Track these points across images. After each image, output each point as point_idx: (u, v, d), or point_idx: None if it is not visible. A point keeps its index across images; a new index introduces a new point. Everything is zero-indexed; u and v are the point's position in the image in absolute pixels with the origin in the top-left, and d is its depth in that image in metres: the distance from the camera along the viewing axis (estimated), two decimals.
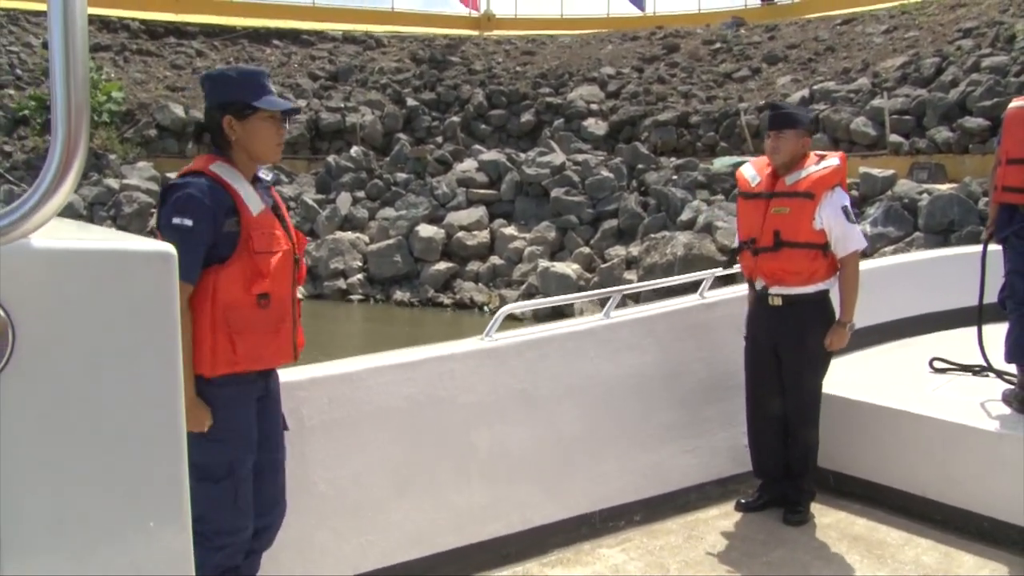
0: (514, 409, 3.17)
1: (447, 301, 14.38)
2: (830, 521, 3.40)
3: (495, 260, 14.82)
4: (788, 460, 3.44)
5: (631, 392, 3.49)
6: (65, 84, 0.92)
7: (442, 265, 14.83)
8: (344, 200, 16.23)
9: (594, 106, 18.88)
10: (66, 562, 1.04)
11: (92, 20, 20.68)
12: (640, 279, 12.47)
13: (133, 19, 21.15)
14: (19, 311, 1.00)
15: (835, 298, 3.36)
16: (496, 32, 23.88)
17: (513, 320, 3.12)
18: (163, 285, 1.10)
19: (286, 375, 2.70)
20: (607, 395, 3.42)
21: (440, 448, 3.00)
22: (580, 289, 12.99)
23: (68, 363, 1.04)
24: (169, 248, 1.10)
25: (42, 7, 20.19)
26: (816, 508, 3.46)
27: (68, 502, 1.05)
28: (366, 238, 15.52)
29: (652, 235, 13.50)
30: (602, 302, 3.65)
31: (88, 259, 1.07)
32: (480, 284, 14.56)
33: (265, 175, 2.38)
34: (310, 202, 16.22)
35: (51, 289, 1.03)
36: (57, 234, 1.05)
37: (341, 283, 14.93)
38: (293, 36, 22.06)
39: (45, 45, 19.01)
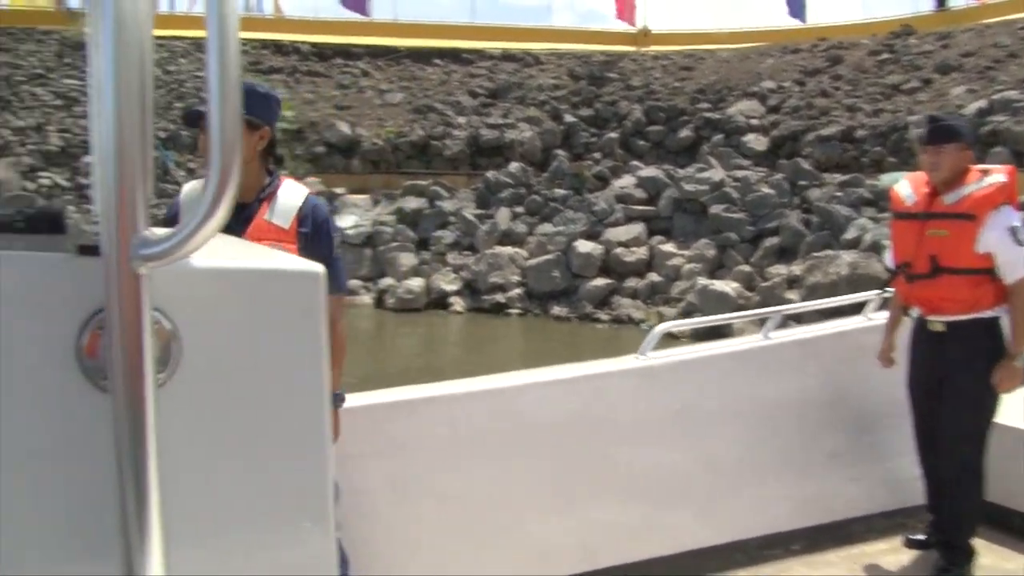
0: (669, 429, 3.24)
1: (604, 317, 15.16)
2: (1016, 568, 3.24)
3: (653, 277, 15.54)
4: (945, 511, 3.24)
5: (791, 416, 3.47)
6: (221, 113, 0.98)
7: (600, 281, 15.68)
8: (503, 215, 17.56)
9: (754, 121, 19.46)
10: (221, 560, 1.16)
11: (267, 45, 23.14)
12: (803, 298, 12.84)
13: (304, 42, 23.42)
14: (183, 325, 1.10)
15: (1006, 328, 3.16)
16: (653, 47, 24.87)
17: (670, 338, 3.25)
18: (312, 301, 1.20)
19: (447, 388, 3.00)
20: (766, 418, 3.42)
21: (594, 465, 3.10)
22: (739, 307, 13.44)
23: (226, 374, 1.16)
24: (318, 267, 1.22)
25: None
26: (997, 552, 3.31)
27: (223, 504, 1.16)
28: (524, 253, 16.55)
29: (815, 254, 13.86)
30: (761, 322, 3.67)
31: (244, 278, 1.20)
32: (638, 301, 15.30)
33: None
34: (470, 217, 17.62)
35: (210, 305, 1.14)
36: (217, 253, 1.17)
37: (500, 297, 16.08)
38: (453, 55, 23.83)
39: (244, 69, 21.35)
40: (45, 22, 23.95)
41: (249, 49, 22.70)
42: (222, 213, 0.99)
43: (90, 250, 1.06)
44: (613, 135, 19.77)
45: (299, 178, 18.90)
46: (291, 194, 2.65)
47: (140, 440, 1.02)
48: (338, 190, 18.76)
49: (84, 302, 1.07)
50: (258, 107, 2.61)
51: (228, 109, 0.99)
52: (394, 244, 17.04)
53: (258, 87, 2.76)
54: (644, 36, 25.65)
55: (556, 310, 15.69)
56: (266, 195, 2.64)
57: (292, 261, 1.31)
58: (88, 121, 1.97)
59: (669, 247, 15.94)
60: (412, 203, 18.21)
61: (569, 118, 20.53)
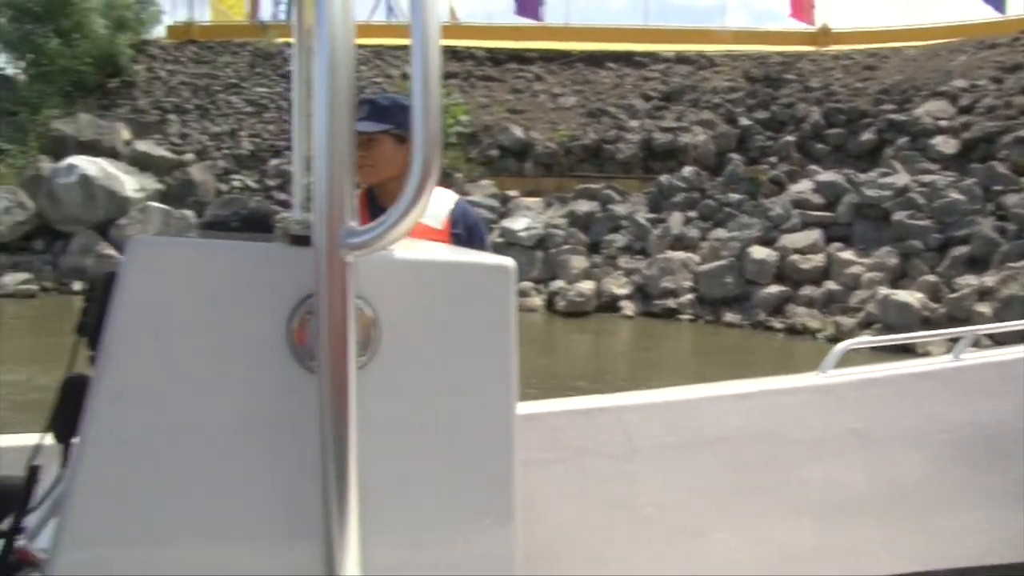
0: (849, 449, 3.19)
1: (778, 325, 15.07)
2: None
3: (830, 285, 15.28)
4: None
5: (985, 442, 3.33)
6: (424, 113, 1.02)
7: (774, 288, 15.57)
8: (676, 219, 17.71)
9: (943, 122, 18.70)
10: (409, 541, 1.19)
11: (444, 51, 24.22)
12: (995, 312, 12.50)
13: (478, 48, 24.33)
14: (383, 311, 1.16)
15: None
16: (834, 47, 24.33)
17: (849, 353, 3.19)
18: (503, 293, 1.24)
19: (622, 399, 3.05)
20: (956, 443, 3.30)
21: (769, 482, 3.09)
22: (925, 319, 13.20)
23: (420, 360, 1.21)
24: (509, 261, 1.26)
25: (399, 42, 23.92)
26: None
27: (412, 486, 1.21)
28: (697, 258, 16.62)
29: (1011, 264, 13.39)
30: (952, 340, 3.57)
31: (440, 269, 1.25)
32: (814, 309, 15.08)
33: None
34: (642, 221, 17.86)
35: (408, 294, 1.19)
36: (412, 247, 1.23)
37: (671, 302, 16.15)
38: (626, 58, 24.15)
39: (404, 76, 22.62)
40: (239, 35, 25.80)
41: None
42: (423, 205, 1.05)
43: (300, 240, 1.16)
44: (790, 138, 19.50)
45: (473, 180, 19.72)
46: (440, 198, 2.82)
47: (343, 419, 1.09)
48: (511, 193, 19.42)
49: (294, 289, 1.16)
50: (407, 120, 2.83)
51: (430, 107, 1.04)
52: (565, 247, 17.52)
53: (405, 100, 2.84)
54: (824, 35, 25.13)
55: (728, 317, 15.69)
56: None
57: (484, 255, 1.36)
58: (291, 123, 2.23)
59: (848, 254, 15.65)
60: (584, 206, 18.61)
61: (744, 121, 20.40)
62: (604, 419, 2.97)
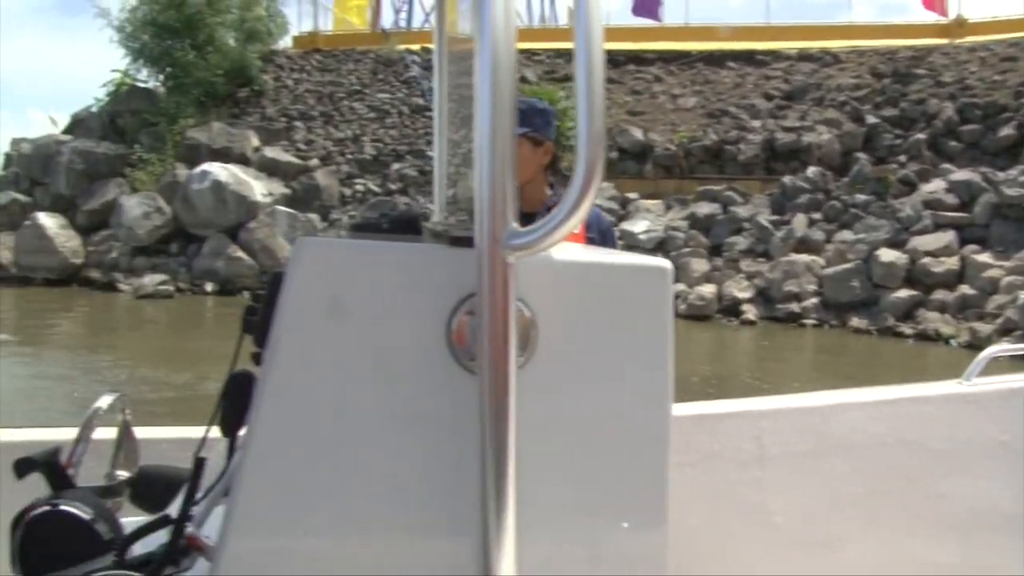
0: (994, 462, 3.09)
1: (908, 331, 14.53)
2: None
3: (965, 289, 14.69)
4: None
5: None
6: (588, 114, 1.03)
7: (904, 292, 15.04)
8: (799, 221, 17.30)
9: None
10: (563, 542, 1.20)
11: (561, 53, 24.27)
12: None
13: None
14: (540, 313, 1.16)
15: None
16: (969, 38, 23.29)
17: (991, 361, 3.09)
18: (660, 295, 1.25)
19: (753, 404, 2.99)
20: None
21: (906, 494, 2.99)
22: None
23: (577, 361, 1.20)
24: (666, 263, 1.27)
25: (531, 45, 24.15)
26: None
27: (566, 488, 1.20)
28: (822, 261, 16.19)
29: None
30: None
31: (597, 271, 1.26)
32: (946, 315, 14.53)
33: None
34: (764, 223, 17.50)
35: (565, 295, 1.19)
36: (567, 248, 1.23)
37: (794, 306, 15.80)
38: (747, 57, 23.70)
39: (540, 78, 22.76)
40: (362, 43, 26.46)
41: (544, 59, 23.85)
42: (587, 206, 1.05)
43: (461, 241, 1.17)
44: (920, 136, 18.78)
45: None
46: None
47: (502, 419, 1.10)
48: (631, 195, 19.32)
49: (455, 289, 1.17)
50: (541, 123, 2.75)
51: (594, 108, 1.05)
52: (686, 250, 17.34)
53: (537, 104, 2.87)
54: (959, 27, 24.05)
55: (855, 322, 15.25)
56: (552, 205, 2.72)
57: (641, 256, 1.33)
58: (433, 128, 2.26)
59: (985, 257, 15.00)
60: (705, 208, 18.39)
61: (871, 119, 19.75)
62: (734, 424, 2.94)
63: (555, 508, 1.23)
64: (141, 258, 20.64)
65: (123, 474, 2.20)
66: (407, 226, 1.48)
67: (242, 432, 1.32)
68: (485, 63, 1.09)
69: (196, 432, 2.89)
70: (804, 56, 23.25)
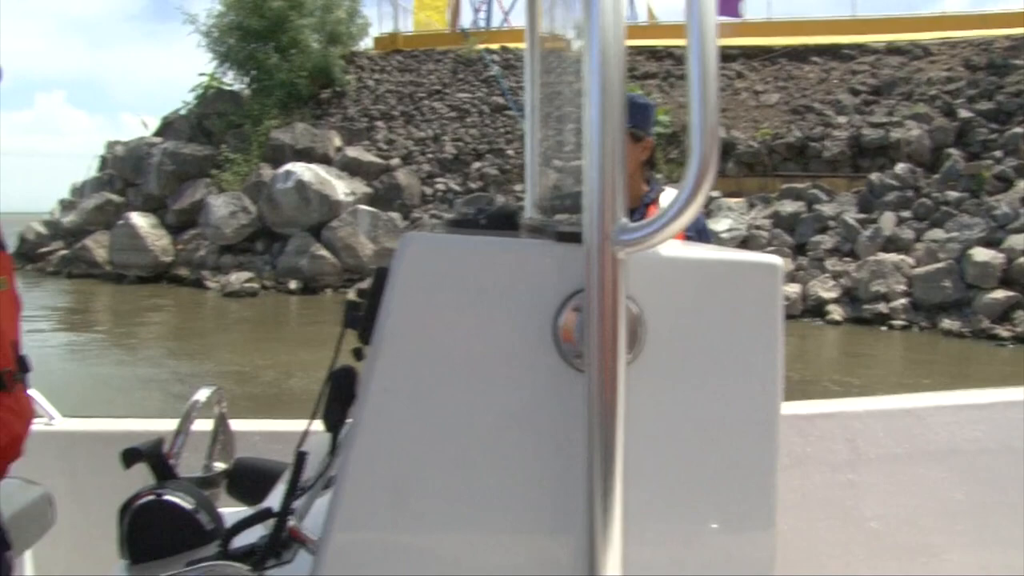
0: None
1: (1004, 334, 14.09)
2: None
3: None
4: None
5: None
6: (702, 109, 1.02)
7: (1000, 294, 14.57)
8: (887, 220, 16.87)
9: None
10: (669, 541, 1.19)
11: (641, 51, 24.11)
12: None
13: (677, 47, 24.04)
14: (648, 309, 1.16)
15: None
16: None
17: None
18: (770, 292, 1.22)
19: (846, 404, 2.91)
20: None
21: (1009, 502, 2.87)
22: None
23: (684, 359, 1.19)
24: (776, 260, 1.24)
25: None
26: None
27: (673, 486, 1.19)
28: (911, 260, 15.76)
29: None
30: None
31: (705, 267, 1.23)
32: None
33: None
34: (851, 221, 17.11)
35: (673, 291, 1.18)
36: (673, 244, 1.20)
37: (882, 307, 15.42)
38: (832, 51, 23.17)
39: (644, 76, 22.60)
40: (441, 43, 26.68)
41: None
42: (699, 202, 1.04)
43: (569, 237, 1.17)
44: (1019, 130, 18.09)
45: (673, 181, 19.52)
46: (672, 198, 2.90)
47: (611, 417, 1.09)
48: (713, 193, 19.06)
49: (562, 286, 1.16)
50: (640, 119, 2.70)
51: (708, 103, 1.04)
52: (769, 249, 17.00)
53: (637, 98, 2.81)
54: None
55: (946, 323, 14.78)
56: (650, 201, 2.77)
57: (751, 253, 1.32)
58: (525, 124, 2.18)
59: None
60: (789, 207, 18.06)
61: (964, 113, 19.11)
62: (827, 425, 2.85)
63: (662, 508, 1.21)
64: (227, 256, 21.16)
65: (219, 465, 2.25)
66: (504, 221, 1.47)
67: (345, 427, 1.33)
68: (594, 58, 1.08)
69: (285, 425, 2.98)
70: (892, 49, 22.63)
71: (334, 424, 1.34)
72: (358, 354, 1.39)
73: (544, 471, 1.19)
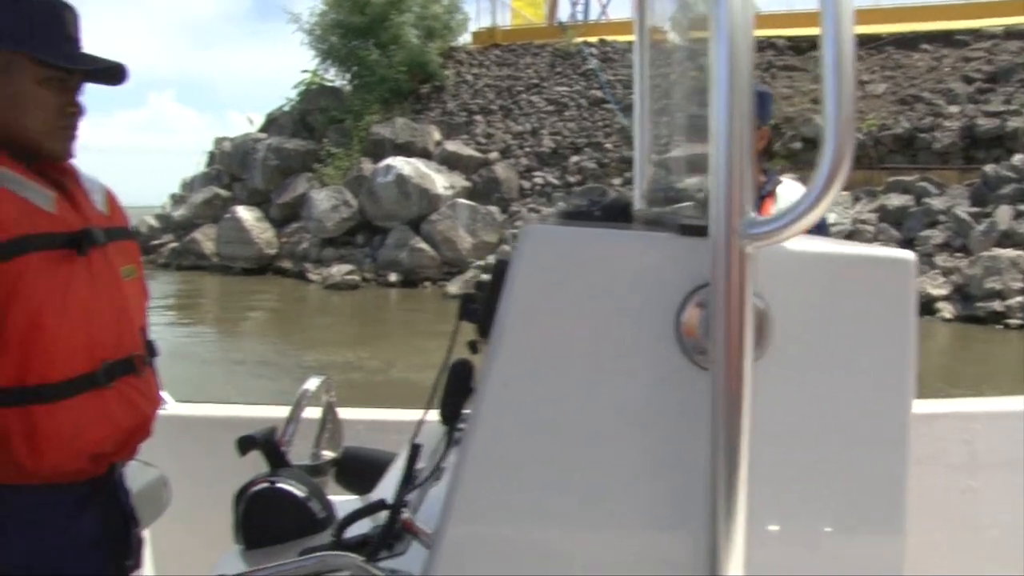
0: None
1: None
2: None
3: None
4: None
5: None
6: (837, 96, 0.98)
7: None
8: (1003, 213, 16.12)
9: None
10: (794, 542, 1.16)
11: None
12: None
13: (779, 37, 23.54)
14: (775, 305, 1.13)
15: None
16: None
17: None
18: (902, 289, 1.18)
19: (962, 405, 2.82)
20: None
21: None
22: None
23: (812, 357, 1.16)
24: (910, 255, 1.21)
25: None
26: None
27: (799, 487, 1.16)
28: None
29: None
30: None
31: (834, 262, 1.21)
32: None
33: None
34: (963, 215, 16.41)
35: (800, 287, 1.15)
36: (801, 237, 1.16)
37: (997, 305, 14.80)
38: (944, 38, 22.30)
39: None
40: (539, 37, 26.69)
41: None
42: (833, 194, 1.01)
43: (692, 230, 1.14)
44: None
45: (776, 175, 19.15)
46: (793, 192, 2.74)
47: (735, 416, 1.07)
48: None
49: (685, 280, 1.14)
50: (759, 107, 2.72)
51: (843, 90, 0.99)
52: (876, 244, 16.55)
53: (756, 87, 2.86)
54: None
55: None
56: (767, 193, 2.74)
57: (882, 248, 1.28)
58: (635, 116, 2.14)
59: None
60: (896, 200, 17.49)
61: None
62: (944, 426, 2.75)
63: (786, 509, 1.18)
64: (329, 249, 21.61)
65: (327, 454, 2.28)
66: (618, 213, 1.45)
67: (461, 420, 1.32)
68: (722, 47, 1.06)
69: (389, 414, 3.02)
70: (1012, 33, 21.61)
71: (450, 417, 1.33)
72: (473, 347, 1.39)
73: (663, 468, 1.17)
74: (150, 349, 1.85)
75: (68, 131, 1.70)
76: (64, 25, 1.66)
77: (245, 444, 1.89)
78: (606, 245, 1.20)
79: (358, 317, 17.82)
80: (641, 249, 1.19)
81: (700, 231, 1.11)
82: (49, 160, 1.70)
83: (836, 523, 1.20)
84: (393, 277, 20.13)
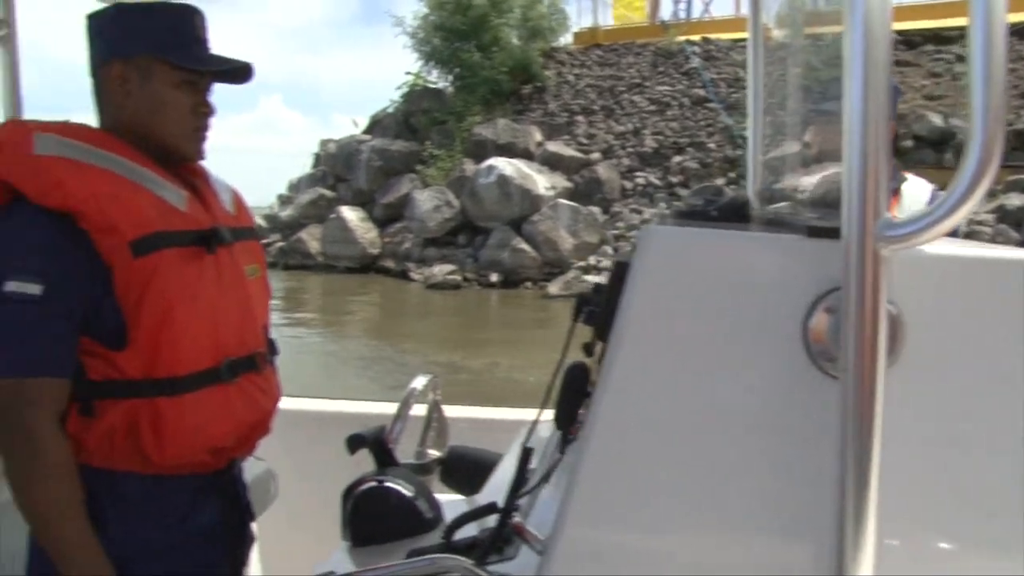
0: None
1: None
2: None
3: None
4: None
5: None
6: (986, 87, 0.92)
7: None
8: None
9: None
10: (925, 557, 1.12)
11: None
12: None
13: (902, 31, 22.82)
14: (909, 311, 1.08)
15: None
16: None
17: None
18: None
19: None
20: None
21: None
22: None
23: (948, 365, 1.12)
24: None
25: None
26: None
27: (928, 506, 1.12)
28: None
29: None
30: None
31: (972, 266, 1.15)
32: None
33: None
34: None
35: (934, 291, 1.11)
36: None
37: None
38: None
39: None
40: (641, 36, 26.47)
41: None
42: (980, 194, 0.96)
43: (822, 232, 1.10)
44: None
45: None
46: (918, 191, 2.68)
47: (867, 425, 1.02)
48: (929, 186, 17.96)
49: (813, 284, 1.11)
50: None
51: (993, 80, 0.93)
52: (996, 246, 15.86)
53: None
54: None
55: None
56: (892, 190, 2.60)
57: (1019, 251, 1.22)
58: (749, 114, 2.13)
59: None
60: (1016, 200, 16.74)
61: None
62: None
63: (914, 523, 1.14)
64: (431, 249, 21.88)
65: (433, 452, 2.28)
66: (736, 213, 1.41)
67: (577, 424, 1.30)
68: (857, 41, 1.00)
69: (492, 413, 3.01)
70: None
71: (566, 421, 1.31)
72: (588, 349, 1.36)
73: (786, 475, 1.14)
74: (271, 347, 1.89)
75: (201, 132, 1.76)
76: (195, 28, 1.73)
77: (355, 443, 1.91)
78: (730, 247, 1.17)
79: (460, 316, 17.99)
80: (767, 251, 1.15)
81: (831, 233, 1.07)
82: (183, 161, 1.76)
83: (966, 540, 1.14)
84: (494, 277, 20.25)
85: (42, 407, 1.52)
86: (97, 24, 1.73)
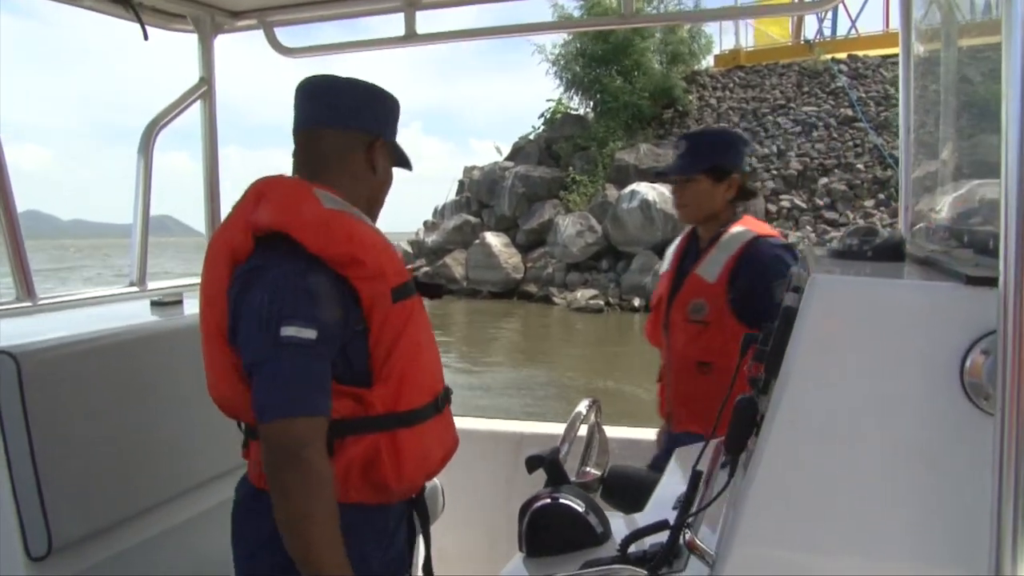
0: None
1: None
2: None
3: None
4: None
5: None
6: None
7: None
8: None
9: None
10: None
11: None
12: None
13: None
14: None
15: None
16: None
17: None
18: None
19: None
20: None
21: None
22: None
23: None
24: None
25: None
26: None
27: None
28: None
29: None
30: None
31: None
32: None
33: None
34: None
35: None
36: None
37: None
38: None
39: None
40: (785, 56, 25.93)
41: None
42: None
43: (980, 280, 1.13)
44: None
45: None
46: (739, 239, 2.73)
47: (1022, 460, 1.04)
48: None
49: (970, 328, 1.15)
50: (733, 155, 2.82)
51: None
52: None
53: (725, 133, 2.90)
54: None
55: None
56: None
57: None
58: (901, 139, 2.11)
59: None
60: None
61: None
62: None
63: None
64: (574, 274, 22.06)
65: (594, 471, 2.41)
66: (891, 253, 1.48)
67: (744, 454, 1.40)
68: (1017, 54, 0.96)
69: (640, 433, 3.10)
70: None
71: (736, 450, 1.42)
72: (754, 383, 1.46)
73: (944, 507, 1.18)
74: (445, 388, 2.06)
75: None
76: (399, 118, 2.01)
77: (533, 463, 2.06)
78: (891, 295, 1.24)
79: (603, 340, 18.05)
80: (927, 299, 1.21)
81: (989, 282, 1.12)
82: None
83: None
84: (637, 302, 20.24)
85: (317, 446, 1.62)
86: (363, 97, 1.90)
